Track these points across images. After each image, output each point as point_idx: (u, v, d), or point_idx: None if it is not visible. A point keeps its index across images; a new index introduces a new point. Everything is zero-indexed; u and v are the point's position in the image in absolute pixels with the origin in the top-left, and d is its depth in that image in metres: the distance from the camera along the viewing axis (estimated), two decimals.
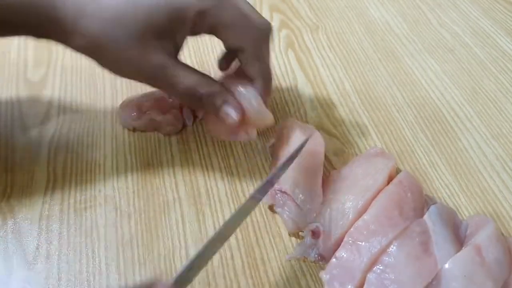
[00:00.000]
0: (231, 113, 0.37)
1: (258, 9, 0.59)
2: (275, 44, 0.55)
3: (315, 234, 0.37)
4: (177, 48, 0.37)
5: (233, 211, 0.40)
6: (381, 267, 0.33)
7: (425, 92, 0.49)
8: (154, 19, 0.35)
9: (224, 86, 0.38)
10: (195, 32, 0.38)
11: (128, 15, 0.35)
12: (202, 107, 0.39)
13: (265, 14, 0.59)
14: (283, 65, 0.52)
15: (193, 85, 0.37)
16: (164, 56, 0.36)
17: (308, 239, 0.37)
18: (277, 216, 0.39)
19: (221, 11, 0.36)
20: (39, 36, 0.37)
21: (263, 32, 0.38)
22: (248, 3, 0.39)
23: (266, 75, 0.39)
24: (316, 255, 0.36)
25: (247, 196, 0.40)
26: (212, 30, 0.37)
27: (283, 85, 0.50)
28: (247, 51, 0.38)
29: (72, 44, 0.37)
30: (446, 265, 0.32)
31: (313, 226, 0.37)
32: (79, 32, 0.35)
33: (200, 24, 0.37)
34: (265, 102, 0.39)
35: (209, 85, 0.37)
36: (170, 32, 0.36)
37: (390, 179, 0.38)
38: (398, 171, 0.41)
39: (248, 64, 0.39)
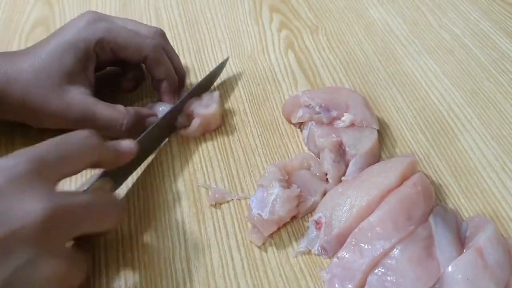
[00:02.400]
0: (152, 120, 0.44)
1: (258, 10, 0.60)
2: (275, 44, 0.55)
3: (318, 224, 0.37)
4: (91, 84, 0.43)
5: (232, 212, 0.40)
6: (382, 270, 0.33)
7: (425, 93, 0.49)
8: (65, 65, 0.40)
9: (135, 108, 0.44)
10: (100, 61, 0.43)
11: (44, 70, 0.40)
12: (123, 134, 0.42)
13: (265, 15, 0.59)
14: (283, 66, 0.52)
15: (114, 118, 0.41)
16: (82, 96, 0.41)
17: (312, 230, 0.37)
18: None
19: (113, 35, 0.42)
20: None
21: (155, 40, 0.44)
22: (132, 20, 0.46)
23: (170, 75, 0.45)
24: (319, 247, 0.37)
25: None
26: (114, 54, 0.43)
27: (283, 86, 0.50)
28: (147, 60, 0.44)
29: (3, 111, 0.40)
30: (449, 269, 0.32)
31: (316, 216, 0.37)
32: (8, 99, 0.39)
33: (102, 52, 0.43)
34: (174, 95, 0.46)
35: (125, 114, 0.42)
36: (81, 71, 0.42)
37: (405, 179, 0.37)
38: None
39: (152, 71, 0.45)
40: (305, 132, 0.44)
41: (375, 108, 0.47)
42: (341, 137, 0.42)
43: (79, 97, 0.41)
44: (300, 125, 0.45)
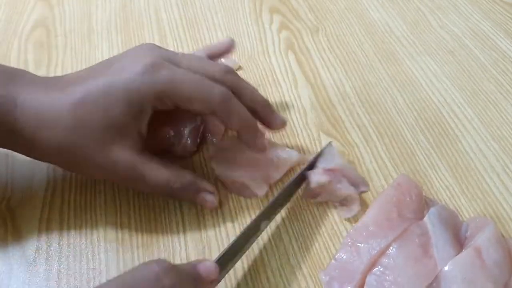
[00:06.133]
0: (209, 199, 0.38)
1: (258, 11, 0.60)
2: (275, 45, 0.55)
3: None
4: (141, 136, 0.37)
5: (233, 212, 0.40)
6: (380, 269, 0.33)
7: (425, 94, 0.49)
8: (112, 118, 0.34)
9: (194, 174, 0.38)
10: (158, 111, 0.37)
11: (87, 120, 0.34)
12: (176, 198, 0.40)
13: (265, 16, 0.59)
14: (283, 66, 0.52)
15: (164, 180, 0.36)
16: (130, 153, 0.35)
17: None
18: (277, 217, 0.39)
19: (176, 86, 0.35)
20: (2, 146, 0.37)
21: (223, 89, 0.36)
22: (197, 57, 0.39)
23: (247, 122, 0.38)
24: None
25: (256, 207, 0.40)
26: (176, 105, 0.36)
27: (283, 86, 0.50)
28: (218, 112, 0.36)
29: (36, 154, 0.37)
30: (446, 267, 0.32)
31: None
32: (42, 143, 0.35)
33: (161, 105, 0.36)
34: (263, 143, 0.40)
35: (180, 177, 0.37)
36: (132, 124, 0.35)
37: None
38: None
39: (225, 122, 0.38)
40: None
41: (375, 109, 0.47)
42: None
43: (126, 156, 0.35)
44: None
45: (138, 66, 0.35)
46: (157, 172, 0.36)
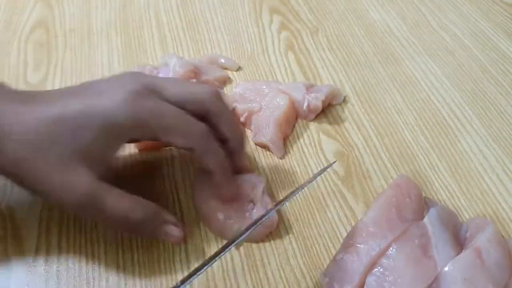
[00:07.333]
0: (174, 233, 0.35)
1: (258, 11, 0.60)
2: (275, 45, 0.55)
3: None
4: (108, 164, 0.34)
5: None
6: (380, 270, 0.33)
7: (425, 94, 0.49)
8: (84, 143, 0.32)
9: (157, 205, 0.35)
10: (132, 142, 0.35)
11: (55, 137, 0.32)
12: (135, 232, 0.37)
13: (265, 16, 0.59)
14: (283, 67, 0.52)
15: (125, 209, 0.33)
16: (91, 180, 0.32)
17: None
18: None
19: (157, 119, 0.33)
20: None
21: (204, 127, 0.35)
22: (185, 83, 0.37)
23: (222, 165, 0.37)
24: None
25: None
26: (156, 137, 0.35)
27: None
28: (196, 148, 0.35)
29: None
30: (446, 268, 0.32)
31: None
32: (2, 153, 0.31)
33: (140, 135, 0.35)
34: (231, 185, 0.38)
35: (142, 207, 0.34)
36: (102, 152, 0.33)
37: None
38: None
39: (202, 159, 0.36)
40: None
41: (375, 109, 0.47)
42: None
43: (87, 180, 0.32)
44: None
45: (120, 93, 0.33)
46: (118, 200, 0.33)
